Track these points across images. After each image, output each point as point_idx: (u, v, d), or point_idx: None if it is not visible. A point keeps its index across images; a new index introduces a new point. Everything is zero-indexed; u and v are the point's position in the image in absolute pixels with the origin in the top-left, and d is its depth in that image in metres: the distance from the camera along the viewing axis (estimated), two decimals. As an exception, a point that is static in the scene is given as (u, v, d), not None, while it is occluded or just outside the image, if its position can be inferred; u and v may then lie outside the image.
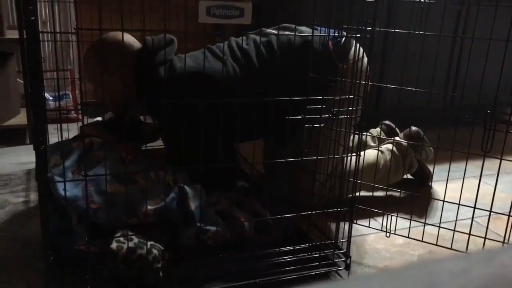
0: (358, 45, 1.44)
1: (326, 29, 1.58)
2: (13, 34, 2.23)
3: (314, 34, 1.53)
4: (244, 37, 1.65)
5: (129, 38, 1.61)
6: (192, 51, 1.60)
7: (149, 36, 1.57)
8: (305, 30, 1.62)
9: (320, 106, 1.32)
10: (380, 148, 1.83)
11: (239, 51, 1.59)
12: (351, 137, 1.41)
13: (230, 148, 1.56)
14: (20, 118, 2.38)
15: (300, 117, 1.31)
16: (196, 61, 1.52)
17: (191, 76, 1.47)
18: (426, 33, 1.42)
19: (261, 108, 1.33)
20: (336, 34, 1.58)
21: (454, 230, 1.44)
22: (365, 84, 1.39)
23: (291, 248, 1.32)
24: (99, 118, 1.77)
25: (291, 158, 1.35)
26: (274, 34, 1.59)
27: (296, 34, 1.53)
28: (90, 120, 1.74)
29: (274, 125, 1.30)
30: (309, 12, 1.49)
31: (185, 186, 1.37)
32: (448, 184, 1.46)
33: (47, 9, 2.68)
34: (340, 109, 1.35)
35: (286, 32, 1.59)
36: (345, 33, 1.53)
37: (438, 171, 1.60)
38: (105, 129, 1.65)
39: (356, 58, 1.51)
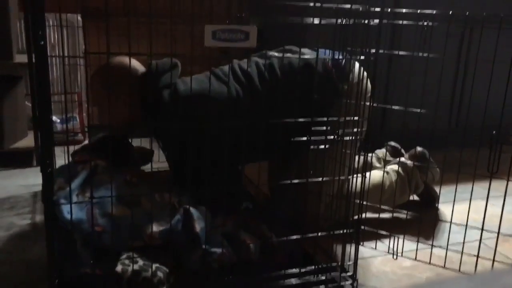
0: (360, 67, 1.46)
1: (327, 51, 1.61)
2: (22, 58, 2.26)
3: (315, 56, 1.55)
4: (246, 60, 1.67)
5: (134, 62, 1.64)
6: (196, 74, 1.63)
7: (154, 60, 1.60)
8: (307, 52, 1.64)
9: (324, 128, 1.33)
10: (385, 169, 1.83)
11: (242, 74, 1.61)
12: (356, 158, 1.41)
13: (235, 171, 1.56)
14: (28, 141, 2.40)
15: (305, 138, 1.31)
16: (200, 84, 1.54)
17: (194, 98, 1.49)
18: (430, 55, 1.43)
19: (265, 129, 1.34)
20: (336, 56, 1.59)
21: (462, 252, 1.43)
22: (369, 105, 1.39)
23: (297, 270, 1.30)
24: (86, 142, 1.80)
25: (296, 180, 1.35)
26: (276, 56, 1.61)
27: (298, 56, 1.54)
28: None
29: (279, 146, 1.31)
30: (313, 36, 1.51)
31: (190, 208, 1.37)
32: (455, 206, 1.45)
33: (55, 34, 2.72)
34: (345, 130, 1.36)
35: (288, 55, 1.61)
36: (346, 54, 1.55)
37: (445, 193, 1.59)
38: (96, 153, 1.65)
39: (358, 80, 1.53)
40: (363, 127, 1.35)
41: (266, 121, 1.26)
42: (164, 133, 1.57)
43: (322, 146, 1.35)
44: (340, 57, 1.59)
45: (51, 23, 2.57)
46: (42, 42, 1.07)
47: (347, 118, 1.36)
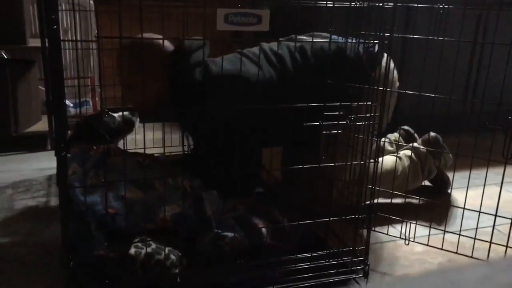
0: (388, 57, 1.45)
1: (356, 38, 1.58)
2: (35, 43, 2.27)
3: (346, 42, 1.52)
4: (275, 43, 1.64)
5: (166, 41, 1.59)
6: (226, 55, 1.59)
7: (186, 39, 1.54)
8: (337, 39, 1.62)
9: (339, 113, 1.31)
10: (398, 155, 1.82)
11: (274, 56, 1.58)
12: (370, 144, 1.40)
13: (259, 154, 1.55)
14: (42, 125, 2.42)
15: (318, 123, 1.30)
16: (232, 64, 1.50)
17: (228, 78, 1.46)
18: (445, 38, 1.41)
19: (293, 113, 1.31)
20: (367, 43, 1.57)
21: (474, 238, 1.42)
22: (392, 92, 1.38)
23: (309, 255, 1.31)
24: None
25: (309, 165, 1.34)
26: (307, 41, 1.58)
27: (330, 41, 1.51)
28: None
29: (307, 131, 1.29)
30: (326, 19, 1.49)
31: (202, 192, 1.38)
32: (468, 192, 1.44)
33: (68, 18, 2.73)
34: (358, 115, 1.35)
35: (319, 39, 1.58)
36: (376, 42, 1.53)
37: (458, 178, 1.58)
38: (86, 140, 1.65)
39: (387, 68, 1.52)
40: (376, 112, 1.33)
41: (277, 106, 1.25)
42: (193, 113, 1.53)
43: (335, 131, 1.35)
44: (370, 43, 1.57)
45: (63, 7, 2.57)
46: (55, 26, 1.07)
47: (361, 103, 1.35)
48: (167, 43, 1.60)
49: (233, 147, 1.23)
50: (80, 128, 1.71)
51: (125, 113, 1.83)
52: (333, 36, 1.59)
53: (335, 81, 1.40)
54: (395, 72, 1.69)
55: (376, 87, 1.35)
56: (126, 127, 1.82)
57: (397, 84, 1.74)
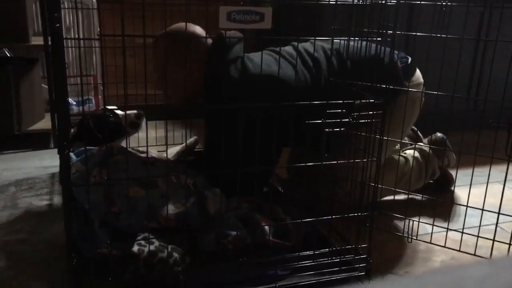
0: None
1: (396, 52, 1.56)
2: (38, 41, 2.28)
3: (383, 49, 1.49)
4: (309, 43, 1.60)
5: (201, 31, 1.56)
6: (259, 52, 1.55)
7: (223, 31, 1.49)
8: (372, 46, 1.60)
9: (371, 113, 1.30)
10: (403, 154, 1.81)
11: (310, 59, 1.54)
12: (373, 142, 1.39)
13: (279, 154, 1.54)
14: (45, 123, 2.43)
15: (320, 121, 1.30)
16: (270, 65, 1.47)
17: (265, 79, 1.42)
18: (448, 36, 1.40)
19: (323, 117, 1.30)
20: (402, 55, 1.58)
21: (477, 236, 1.42)
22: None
23: (311, 252, 1.31)
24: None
25: (313, 163, 1.34)
26: (343, 39, 1.53)
27: (367, 44, 1.47)
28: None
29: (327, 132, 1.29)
30: (329, 17, 1.49)
31: (205, 190, 1.38)
32: (471, 189, 1.44)
33: (71, 16, 2.73)
34: (361, 113, 1.34)
35: (358, 43, 1.54)
36: (409, 58, 1.54)
37: (461, 176, 1.57)
38: (88, 140, 1.64)
39: (418, 82, 1.53)
40: (380, 110, 1.33)
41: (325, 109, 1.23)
42: (224, 111, 1.48)
43: (337, 129, 1.34)
44: (407, 57, 1.57)
45: (66, 5, 2.57)
46: (58, 25, 1.07)
47: (364, 101, 1.35)
48: (202, 32, 1.56)
49: (256, 147, 1.21)
50: (81, 127, 1.71)
51: (132, 113, 1.80)
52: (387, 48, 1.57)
53: (370, 86, 1.38)
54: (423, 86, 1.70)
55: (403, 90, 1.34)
56: (130, 129, 1.81)
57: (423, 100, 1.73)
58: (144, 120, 1.81)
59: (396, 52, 1.56)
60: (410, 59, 1.62)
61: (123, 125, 1.74)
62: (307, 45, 1.61)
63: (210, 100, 1.56)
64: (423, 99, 1.68)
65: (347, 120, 1.34)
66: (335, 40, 1.60)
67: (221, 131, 1.37)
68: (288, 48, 1.60)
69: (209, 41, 1.55)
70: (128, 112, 1.78)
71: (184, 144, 1.92)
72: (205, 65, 1.53)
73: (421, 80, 1.69)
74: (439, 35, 1.42)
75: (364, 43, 1.45)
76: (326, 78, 1.53)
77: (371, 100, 1.33)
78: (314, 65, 1.54)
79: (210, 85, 1.53)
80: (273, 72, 1.44)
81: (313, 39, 1.56)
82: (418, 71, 1.71)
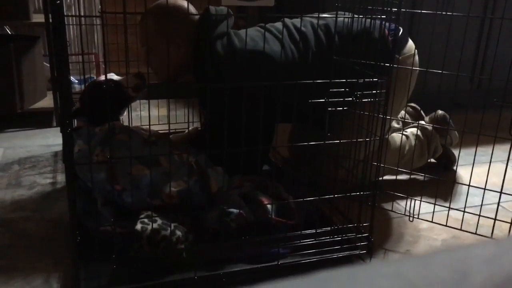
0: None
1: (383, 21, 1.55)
2: (39, 18, 2.26)
3: (373, 22, 1.48)
4: (297, 19, 1.60)
5: (190, 6, 1.55)
6: (248, 29, 1.54)
7: (211, 6, 1.51)
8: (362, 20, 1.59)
9: (369, 92, 1.30)
10: (405, 133, 1.81)
11: (297, 33, 1.54)
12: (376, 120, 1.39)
13: (272, 131, 1.54)
14: (47, 101, 2.42)
15: (324, 100, 1.29)
16: (256, 41, 1.47)
17: (251, 55, 1.43)
18: (453, 14, 1.38)
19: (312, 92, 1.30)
20: (391, 27, 1.55)
21: (479, 215, 1.42)
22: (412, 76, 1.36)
23: (313, 231, 1.32)
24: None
25: (315, 142, 1.34)
26: (332, 17, 1.54)
27: (354, 18, 1.47)
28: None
29: (322, 109, 1.28)
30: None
31: (208, 168, 1.38)
32: (474, 169, 1.44)
33: (71, -7, 2.70)
34: (364, 92, 1.34)
35: (344, 17, 1.53)
36: (401, 28, 1.52)
37: (464, 155, 1.57)
38: (89, 116, 1.62)
39: (410, 54, 1.51)
40: (383, 89, 1.32)
41: (286, 82, 1.23)
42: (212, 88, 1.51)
43: (340, 108, 1.34)
44: (398, 28, 1.55)
45: (66, -18, 2.54)
46: (58, 1, 1.06)
47: (367, 80, 1.34)
48: (194, 10, 1.56)
49: (247, 123, 1.21)
50: (84, 101, 1.67)
51: (130, 75, 1.73)
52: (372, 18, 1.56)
53: (360, 62, 1.37)
54: (417, 57, 1.67)
55: (395, 66, 1.34)
56: (134, 92, 1.72)
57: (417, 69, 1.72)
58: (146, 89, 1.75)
59: (386, 24, 1.54)
60: (401, 30, 1.60)
61: (125, 90, 1.68)
62: (296, 21, 1.60)
63: (197, 75, 1.57)
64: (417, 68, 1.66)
65: (350, 99, 1.33)
66: (326, 16, 1.58)
67: (214, 108, 1.38)
68: (277, 24, 1.59)
69: (197, 17, 1.55)
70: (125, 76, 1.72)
71: (187, 132, 1.91)
72: (192, 40, 1.52)
73: (414, 51, 1.66)
74: (444, 13, 1.40)
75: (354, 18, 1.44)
76: (314, 53, 1.53)
77: (374, 79, 1.32)
78: (302, 40, 1.53)
79: (197, 61, 1.53)
80: (258, 47, 1.44)
81: (316, 16, 1.54)
82: (410, 42, 1.68)
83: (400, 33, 1.60)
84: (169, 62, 1.50)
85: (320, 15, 1.56)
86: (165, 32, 1.49)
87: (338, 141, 1.33)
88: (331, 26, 1.56)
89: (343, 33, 1.53)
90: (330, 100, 1.30)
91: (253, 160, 1.35)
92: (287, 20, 1.60)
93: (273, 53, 1.46)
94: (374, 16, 1.38)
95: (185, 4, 1.55)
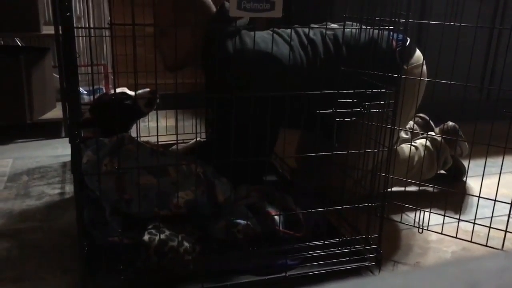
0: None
1: (391, 32, 1.55)
2: (49, 30, 2.28)
3: (381, 33, 1.49)
4: (307, 29, 1.61)
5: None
6: (259, 32, 1.56)
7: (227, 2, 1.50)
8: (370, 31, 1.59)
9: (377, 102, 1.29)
10: (414, 144, 1.80)
11: (306, 40, 1.56)
12: (384, 131, 1.38)
13: (275, 138, 1.53)
14: (56, 112, 2.44)
15: (331, 110, 1.29)
16: (267, 43, 1.48)
17: (260, 55, 1.44)
18: (462, 24, 1.38)
19: (318, 100, 1.30)
20: (400, 37, 1.56)
21: (489, 227, 1.41)
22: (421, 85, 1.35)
23: (321, 242, 1.31)
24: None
25: (322, 153, 1.33)
26: (339, 28, 1.55)
27: (362, 29, 1.47)
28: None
29: (327, 118, 1.28)
30: (341, 4, 1.47)
31: (215, 179, 1.38)
32: (484, 180, 1.43)
33: (81, 5, 2.73)
34: (372, 102, 1.33)
35: (351, 28, 1.54)
36: (408, 38, 1.52)
37: (474, 166, 1.56)
38: (100, 127, 1.63)
39: (418, 64, 1.50)
40: (390, 100, 1.32)
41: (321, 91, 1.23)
42: (218, 85, 1.50)
43: (348, 119, 1.33)
44: (406, 39, 1.55)
45: (76, -6, 2.57)
46: (68, 14, 1.07)
47: (375, 90, 1.33)
48: (211, 4, 1.57)
49: (253, 124, 1.21)
50: (95, 112, 1.68)
51: (144, 91, 1.73)
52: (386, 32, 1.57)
53: (366, 70, 1.37)
54: (425, 68, 1.67)
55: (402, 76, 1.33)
56: (147, 108, 1.73)
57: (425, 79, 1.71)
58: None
59: (394, 35, 1.54)
60: (408, 40, 1.59)
61: (138, 105, 1.69)
62: (306, 29, 1.61)
63: (205, 69, 1.56)
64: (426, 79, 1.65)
65: (358, 109, 1.33)
66: (334, 26, 1.59)
67: (221, 112, 1.38)
68: (288, 30, 1.60)
69: (214, 9, 1.56)
70: (139, 91, 1.71)
71: (194, 141, 1.91)
72: (203, 32, 1.52)
73: (422, 61, 1.66)
74: (452, 24, 1.40)
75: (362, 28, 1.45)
76: (322, 60, 1.53)
77: (382, 90, 1.32)
78: (311, 46, 1.54)
79: (206, 54, 1.53)
80: (268, 48, 1.44)
81: (324, 27, 1.55)
82: (418, 52, 1.69)
83: (408, 43, 1.60)
84: (180, 47, 1.47)
85: (328, 26, 1.57)
86: (182, 15, 1.48)
87: (346, 151, 1.32)
88: (339, 36, 1.57)
89: (350, 43, 1.54)
90: (337, 110, 1.30)
91: (258, 165, 1.35)
92: (297, 28, 1.61)
93: (281, 56, 1.47)
94: (381, 27, 1.38)
95: None
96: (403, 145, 1.79)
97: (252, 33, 1.52)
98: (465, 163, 1.85)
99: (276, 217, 1.35)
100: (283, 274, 1.23)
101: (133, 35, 1.06)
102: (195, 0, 1.52)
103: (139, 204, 1.29)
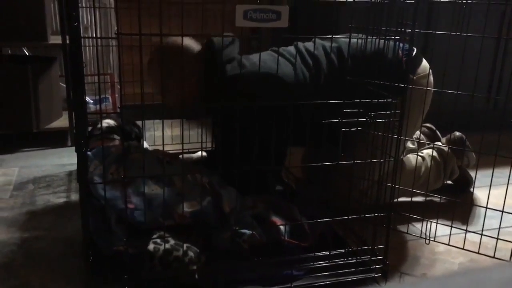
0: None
1: (397, 42, 1.55)
2: (56, 40, 2.30)
3: (387, 44, 1.49)
4: (311, 42, 1.61)
5: (189, 41, 1.59)
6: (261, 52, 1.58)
7: (214, 37, 1.55)
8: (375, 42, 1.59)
9: (381, 112, 1.29)
10: (421, 154, 1.79)
11: (309, 56, 1.55)
12: (390, 141, 1.38)
13: (284, 153, 1.54)
14: (62, 121, 2.45)
15: (337, 120, 1.29)
16: (266, 63, 1.48)
17: (261, 76, 1.44)
18: (469, 34, 1.38)
19: (326, 115, 1.30)
20: (407, 47, 1.55)
21: (497, 238, 1.39)
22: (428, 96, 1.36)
23: (327, 253, 1.30)
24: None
25: (328, 162, 1.33)
26: (345, 39, 1.55)
27: (368, 39, 1.47)
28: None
29: (332, 130, 1.28)
30: (347, 14, 1.47)
31: (221, 189, 1.38)
32: (491, 190, 1.41)
33: (88, 15, 2.76)
34: (378, 112, 1.33)
35: (357, 38, 1.53)
36: (415, 48, 1.52)
37: (481, 177, 1.54)
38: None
39: (424, 74, 1.50)
40: (397, 109, 1.31)
41: (328, 105, 1.22)
42: (223, 110, 1.52)
43: (360, 129, 1.33)
44: (412, 49, 1.55)
45: (84, 4, 2.60)
46: (76, 24, 1.08)
47: (381, 100, 1.33)
48: (193, 43, 1.59)
49: (258, 143, 1.22)
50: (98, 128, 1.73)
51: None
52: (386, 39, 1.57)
53: (373, 82, 1.37)
54: (431, 77, 1.67)
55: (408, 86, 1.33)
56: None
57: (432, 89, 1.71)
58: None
59: (400, 45, 1.54)
60: (415, 51, 1.59)
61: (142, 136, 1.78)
62: (309, 44, 1.61)
63: (211, 100, 1.58)
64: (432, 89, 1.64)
65: (364, 119, 1.33)
66: (339, 38, 1.59)
67: (226, 130, 1.39)
68: (290, 48, 1.60)
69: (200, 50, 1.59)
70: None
71: (199, 153, 1.93)
72: (201, 72, 1.55)
73: (428, 71, 1.65)
74: (459, 34, 1.40)
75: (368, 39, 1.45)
76: (326, 76, 1.53)
77: (388, 100, 1.32)
78: (314, 63, 1.54)
79: (209, 87, 1.55)
80: (270, 69, 1.45)
81: (329, 38, 1.55)
82: (424, 62, 1.68)
83: (414, 53, 1.60)
84: (183, 97, 1.52)
85: (333, 37, 1.57)
86: (172, 71, 1.51)
87: (352, 161, 1.32)
88: (343, 49, 1.56)
89: (356, 55, 1.54)
90: (343, 120, 1.29)
91: (264, 180, 1.34)
92: (299, 44, 1.60)
93: (284, 76, 1.46)
94: (388, 37, 1.38)
95: (185, 41, 1.58)
96: (410, 155, 1.78)
97: (251, 56, 1.53)
98: (472, 173, 1.84)
99: (282, 227, 1.34)
100: (288, 285, 1.22)
101: (139, 45, 1.07)
102: (179, 51, 1.52)
103: (144, 214, 1.29)
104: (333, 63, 1.55)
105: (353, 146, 1.40)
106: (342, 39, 1.59)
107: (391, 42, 1.51)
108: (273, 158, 1.34)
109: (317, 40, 1.60)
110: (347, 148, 1.37)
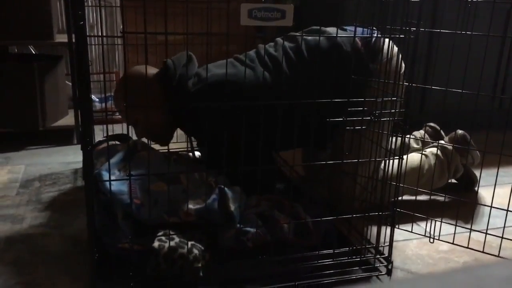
0: (390, 44, 1.42)
1: (358, 29, 1.54)
2: (62, 38, 2.31)
3: (342, 35, 1.52)
4: (272, 43, 1.64)
5: (149, 69, 1.61)
6: (221, 58, 1.60)
7: (168, 59, 1.58)
8: (333, 32, 1.59)
9: (361, 108, 1.30)
10: (424, 152, 1.79)
11: (268, 58, 1.57)
12: (393, 139, 1.38)
13: (268, 157, 1.55)
14: (68, 119, 2.46)
15: (342, 119, 1.29)
16: (223, 69, 1.50)
17: (220, 84, 1.47)
18: (473, 33, 1.38)
19: (299, 114, 1.31)
20: (365, 34, 1.55)
21: (502, 237, 1.39)
22: (400, 84, 1.35)
23: (331, 251, 1.30)
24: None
25: (331, 161, 1.33)
26: (298, 36, 1.57)
27: (322, 36, 1.51)
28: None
29: (315, 130, 1.29)
30: (351, 13, 1.47)
31: (225, 188, 1.38)
32: (496, 189, 1.41)
33: (94, 14, 2.77)
34: (381, 111, 1.33)
35: (311, 35, 1.56)
36: (375, 32, 1.51)
37: (486, 176, 1.54)
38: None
39: (388, 57, 1.49)
40: (398, 107, 1.31)
41: (299, 103, 1.23)
42: (195, 122, 1.56)
43: (358, 127, 1.33)
44: (370, 34, 1.53)
45: (89, 3, 2.61)
46: (82, 22, 1.08)
47: (385, 99, 1.33)
48: (149, 69, 1.61)
49: (237, 146, 1.24)
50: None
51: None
52: (348, 28, 1.57)
53: (332, 76, 1.39)
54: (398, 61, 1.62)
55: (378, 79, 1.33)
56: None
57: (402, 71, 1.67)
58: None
59: (364, 30, 1.54)
60: (375, 34, 1.54)
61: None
62: (270, 46, 1.63)
63: (182, 121, 1.62)
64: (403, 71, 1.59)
65: (368, 118, 1.33)
66: (293, 34, 1.60)
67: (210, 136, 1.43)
68: (251, 52, 1.62)
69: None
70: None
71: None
72: (160, 96, 1.57)
73: (391, 52, 1.53)
74: (463, 32, 1.39)
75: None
76: (287, 74, 1.54)
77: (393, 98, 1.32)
78: (272, 62, 1.55)
79: (175, 110, 1.59)
80: (228, 75, 1.45)
81: (334, 36, 1.55)
82: (386, 45, 1.57)
83: (373, 40, 1.56)
84: (159, 125, 1.59)
85: (337, 32, 1.57)
86: (134, 102, 1.53)
87: (348, 160, 1.32)
88: (302, 46, 1.57)
89: (313, 51, 1.55)
90: (344, 120, 1.29)
91: (265, 180, 1.35)
92: (260, 47, 1.63)
93: (239, 78, 1.48)
94: (393, 35, 1.38)
95: (150, 70, 1.60)
96: (413, 154, 1.78)
97: (210, 66, 1.56)
98: (477, 172, 1.83)
99: (286, 226, 1.35)
100: (292, 283, 1.22)
101: (145, 43, 1.07)
102: (135, 83, 1.54)
103: (149, 210, 1.30)
104: (292, 61, 1.56)
105: (342, 142, 1.40)
106: (309, 38, 1.59)
107: (349, 30, 1.52)
108: (260, 161, 1.35)
109: (278, 41, 1.63)
110: (336, 144, 1.37)
